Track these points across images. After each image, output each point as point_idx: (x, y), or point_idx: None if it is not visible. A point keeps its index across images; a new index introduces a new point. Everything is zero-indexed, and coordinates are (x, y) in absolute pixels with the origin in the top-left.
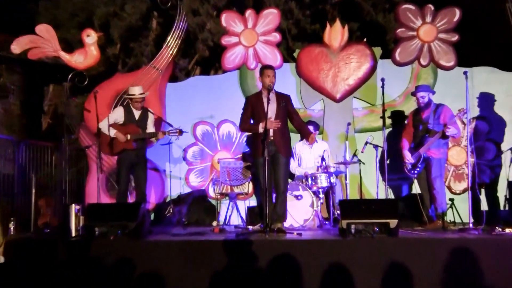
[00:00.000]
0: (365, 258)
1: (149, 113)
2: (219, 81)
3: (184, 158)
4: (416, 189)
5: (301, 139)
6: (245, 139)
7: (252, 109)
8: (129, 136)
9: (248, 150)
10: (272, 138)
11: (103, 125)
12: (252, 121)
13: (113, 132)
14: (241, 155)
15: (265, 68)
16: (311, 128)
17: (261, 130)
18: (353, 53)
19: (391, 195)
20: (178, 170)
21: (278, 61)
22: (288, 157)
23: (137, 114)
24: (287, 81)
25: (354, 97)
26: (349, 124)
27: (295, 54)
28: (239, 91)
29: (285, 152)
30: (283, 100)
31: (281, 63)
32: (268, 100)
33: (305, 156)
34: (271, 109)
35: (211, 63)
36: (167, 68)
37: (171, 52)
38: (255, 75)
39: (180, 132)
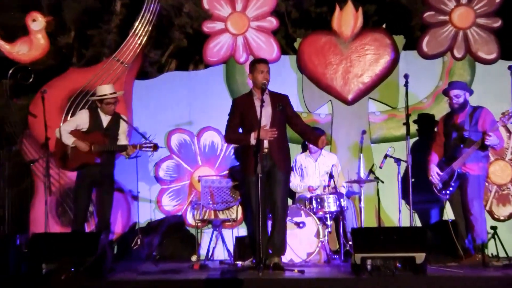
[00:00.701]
0: None
1: (121, 120)
2: (200, 78)
3: (156, 176)
4: (448, 214)
5: (303, 151)
6: (233, 151)
7: (241, 114)
8: (93, 147)
9: (237, 165)
10: (267, 150)
11: (63, 130)
12: (241, 130)
13: (71, 140)
14: (227, 172)
15: (257, 62)
16: None
17: (253, 141)
18: (369, 42)
19: (417, 222)
20: (148, 190)
21: (274, 52)
22: (287, 173)
23: (105, 120)
24: (285, 78)
25: (371, 98)
26: (364, 132)
27: (296, 44)
28: (225, 91)
29: (283, 167)
30: (280, 102)
31: (279, 56)
32: (262, 102)
33: (309, 172)
34: (266, 114)
35: (190, 55)
36: (134, 61)
37: (139, 42)
38: (245, 70)
39: (155, 147)
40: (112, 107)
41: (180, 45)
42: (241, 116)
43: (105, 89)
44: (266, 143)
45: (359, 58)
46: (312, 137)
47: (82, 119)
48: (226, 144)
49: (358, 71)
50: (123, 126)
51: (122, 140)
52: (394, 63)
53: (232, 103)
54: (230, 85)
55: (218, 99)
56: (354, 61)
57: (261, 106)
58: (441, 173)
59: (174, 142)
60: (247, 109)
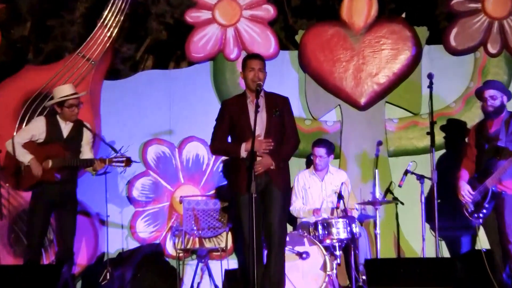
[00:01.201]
0: None
1: (84, 129)
2: (183, 78)
3: (129, 196)
4: (482, 242)
5: (307, 167)
6: (222, 166)
7: (231, 119)
8: (49, 163)
9: (226, 182)
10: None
11: (16, 143)
12: (230, 139)
13: (27, 158)
14: (215, 191)
15: (248, 58)
16: (321, 150)
17: (243, 154)
18: (386, 35)
19: (445, 252)
20: (119, 213)
21: (271, 47)
22: (286, 191)
23: (66, 129)
24: (285, 78)
25: (388, 102)
26: (380, 143)
27: (297, 37)
28: (212, 94)
29: (281, 185)
30: (278, 105)
31: (277, 51)
32: (257, 107)
33: (314, 192)
34: (260, 121)
35: (171, 50)
36: (102, 58)
37: (109, 34)
38: (236, 68)
39: (128, 162)
40: (75, 110)
41: (159, 38)
42: (231, 121)
43: (64, 90)
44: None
45: (373, 53)
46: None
47: (37, 128)
48: (213, 158)
49: (373, 70)
50: (87, 136)
51: (86, 153)
52: (415, 60)
53: (221, 106)
54: (219, 86)
55: (204, 103)
56: (368, 57)
57: (256, 111)
58: (472, 193)
59: (151, 155)
60: (239, 114)
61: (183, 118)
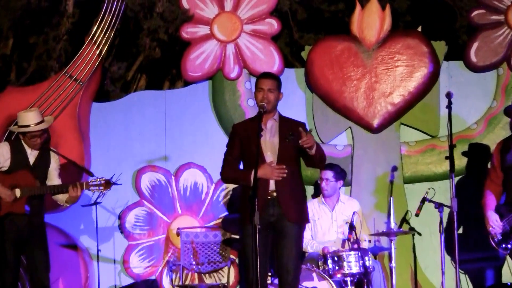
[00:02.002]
0: None
1: (52, 153)
2: (179, 99)
3: (122, 228)
4: (509, 275)
5: (315, 196)
6: (223, 195)
7: (242, 144)
8: (18, 192)
9: (229, 214)
10: (274, 193)
11: None
12: (242, 165)
13: None
14: (216, 222)
15: (258, 78)
16: (328, 173)
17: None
18: (400, 51)
19: (467, 287)
20: (111, 247)
21: (275, 64)
22: (301, 226)
23: (32, 155)
24: (290, 98)
25: (403, 124)
26: (394, 168)
27: (304, 54)
28: (211, 116)
29: (296, 218)
30: (292, 130)
31: (281, 68)
32: (260, 130)
33: (324, 224)
34: (271, 147)
35: (165, 69)
36: (91, 78)
37: (98, 52)
38: (237, 88)
39: (108, 184)
40: (37, 141)
41: (152, 56)
42: (242, 146)
43: (27, 118)
44: (272, 184)
45: (387, 71)
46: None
47: (1, 155)
48: (213, 186)
49: (386, 89)
50: (54, 162)
51: (54, 179)
52: (433, 78)
53: (231, 130)
54: (218, 107)
55: (202, 127)
56: (381, 75)
57: (259, 135)
58: (499, 222)
59: (145, 184)
60: (250, 138)
61: (180, 143)
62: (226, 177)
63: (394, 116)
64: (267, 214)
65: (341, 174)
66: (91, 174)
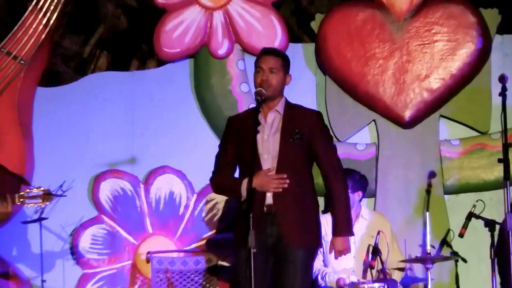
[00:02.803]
0: None
1: None
2: (151, 84)
3: (74, 251)
4: None
5: (328, 209)
6: (208, 207)
7: (238, 143)
8: None
9: (215, 233)
10: (272, 207)
11: None
12: (238, 170)
13: None
14: (199, 244)
15: (258, 56)
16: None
17: (244, 193)
18: (440, 21)
19: None
20: (60, 277)
21: (277, 38)
22: (309, 251)
23: None
24: (297, 82)
25: (443, 116)
26: (432, 175)
27: (314, 25)
28: (193, 105)
29: (300, 240)
30: (301, 125)
31: (285, 43)
32: (257, 125)
33: None
34: (271, 148)
35: (133, 44)
36: (36, 55)
37: (44, 22)
38: (227, 69)
39: (47, 197)
40: None
41: (116, 28)
42: (238, 146)
43: None
44: (269, 197)
45: (422, 47)
46: (332, 206)
47: None
48: (194, 198)
49: (422, 71)
50: None
51: None
52: (482, 57)
53: (226, 124)
54: (202, 94)
55: (181, 119)
56: (415, 52)
57: (255, 131)
58: None
59: (105, 194)
60: (245, 136)
61: (151, 140)
62: (214, 186)
63: (432, 106)
64: (264, 235)
65: (360, 183)
66: (27, 183)
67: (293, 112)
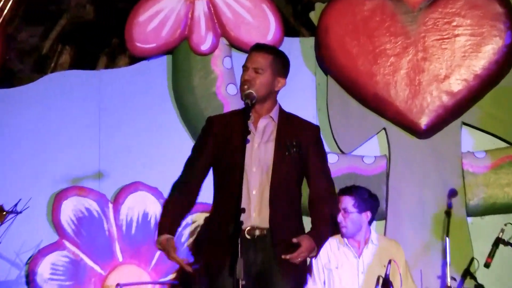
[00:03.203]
0: None
1: None
2: (121, 84)
3: (31, 282)
4: None
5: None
6: (188, 231)
7: (217, 151)
8: None
9: (194, 262)
10: (256, 231)
11: None
12: (214, 183)
13: None
14: (177, 275)
15: (249, 51)
16: (347, 200)
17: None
18: (462, 12)
19: None
20: None
21: (270, 31)
22: (299, 282)
23: None
24: (294, 82)
25: (466, 124)
26: (453, 193)
27: (314, 16)
28: (171, 109)
29: (291, 272)
30: (296, 137)
31: (279, 37)
32: (246, 134)
33: (345, 276)
34: (259, 158)
35: (101, 38)
36: None
37: None
38: (211, 67)
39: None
40: None
41: (81, 18)
42: (216, 154)
43: None
44: (255, 217)
45: (441, 43)
46: (312, 219)
47: None
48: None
49: (441, 70)
50: None
51: None
52: (510, 54)
53: (205, 125)
54: (182, 97)
55: (156, 127)
56: (432, 49)
57: (244, 140)
58: None
59: (67, 215)
60: (229, 142)
61: (122, 152)
62: (164, 205)
63: (452, 111)
64: (247, 262)
65: (369, 202)
66: None
67: (289, 121)
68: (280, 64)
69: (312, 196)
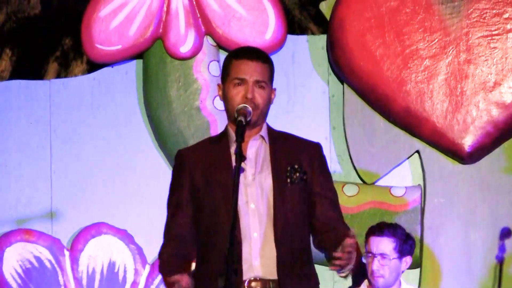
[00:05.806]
0: None
1: None
2: (76, 98)
3: None
4: None
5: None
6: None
7: (197, 193)
8: None
9: None
10: (258, 285)
11: None
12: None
13: None
14: None
15: (235, 57)
16: (384, 243)
17: (221, 285)
18: None
19: None
20: None
21: (270, 27)
22: None
23: None
24: (299, 91)
25: None
26: (507, 233)
27: (325, 9)
28: (142, 128)
29: None
30: (297, 161)
31: (281, 35)
32: (239, 162)
33: None
34: (256, 189)
35: (50, 40)
36: None
37: None
38: (193, 75)
39: None
40: None
41: (25, 13)
42: (197, 196)
43: None
44: (257, 267)
45: (490, 40)
46: (330, 239)
47: None
48: (147, 271)
49: (489, 76)
50: None
51: None
52: None
53: (176, 163)
54: (156, 113)
55: (123, 151)
56: (479, 48)
57: (237, 171)
58: None
59: (10, 266)
60: (211, 178)
61: (79, 185)
62: (161, 261)
63: (504, 128)
64: None
65: (408, 243)
66: None
67: (283, 141)
68: (273, 71)
69: (318, 224)
